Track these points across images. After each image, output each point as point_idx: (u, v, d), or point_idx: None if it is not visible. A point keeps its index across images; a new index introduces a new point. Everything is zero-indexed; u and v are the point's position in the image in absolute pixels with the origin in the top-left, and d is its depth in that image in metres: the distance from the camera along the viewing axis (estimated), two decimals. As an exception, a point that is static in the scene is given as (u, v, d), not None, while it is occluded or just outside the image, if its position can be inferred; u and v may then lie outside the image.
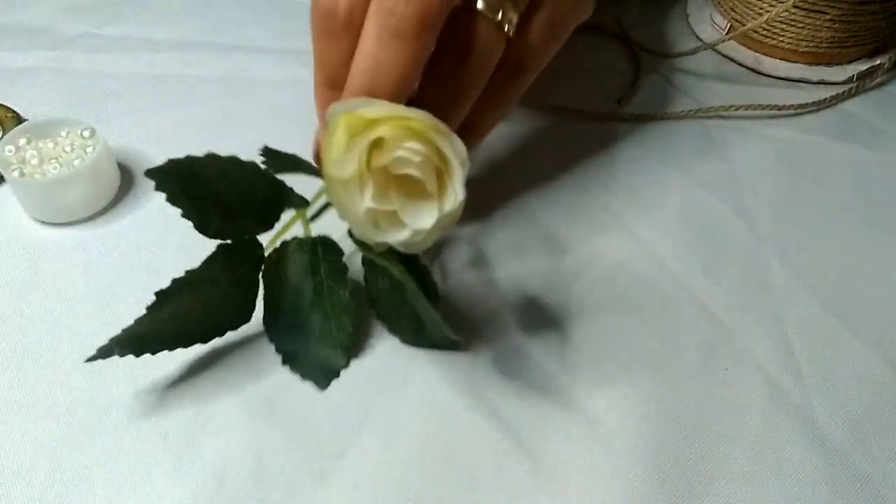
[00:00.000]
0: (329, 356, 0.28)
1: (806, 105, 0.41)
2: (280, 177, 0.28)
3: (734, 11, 0.44)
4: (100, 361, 0.28)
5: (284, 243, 0.29)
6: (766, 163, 0.38)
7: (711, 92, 0.43)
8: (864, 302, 0.32)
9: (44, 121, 0.35)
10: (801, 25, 0.42)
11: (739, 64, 0.45)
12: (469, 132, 0.31)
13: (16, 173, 0.32)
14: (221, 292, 0.27)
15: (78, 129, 0.34)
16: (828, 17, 0.41)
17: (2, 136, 0.35)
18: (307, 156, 0.29)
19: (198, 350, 0.29)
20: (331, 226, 0.29)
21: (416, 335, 0.29)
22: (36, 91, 0.40)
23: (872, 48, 0.44)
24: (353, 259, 0.30)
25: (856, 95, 0.43)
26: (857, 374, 0.29)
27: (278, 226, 0.29)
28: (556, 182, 0.37)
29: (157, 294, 0.25)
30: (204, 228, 0.26)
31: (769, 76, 0.44)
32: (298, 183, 0.29)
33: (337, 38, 0.27)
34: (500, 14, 0.27)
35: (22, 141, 0.34)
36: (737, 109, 0.41)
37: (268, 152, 0.27)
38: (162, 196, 0.33)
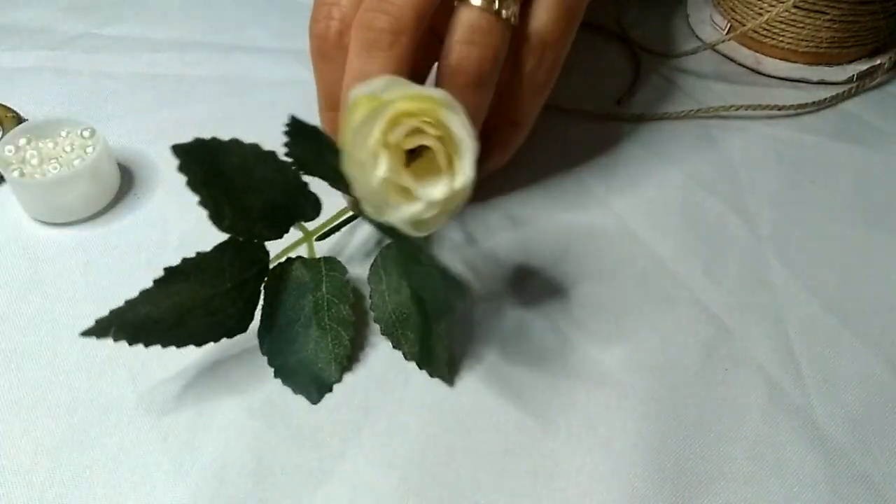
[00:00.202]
0: (322, 370, 0.28)
1: (806, 105, 0.41)
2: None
3: (734, 11, 0.44)
4: (100, 362, 0.29)
5: (289, 259, 0.29)
6: (766, 163, 0.38)
7: (711, 92, 0.43)
8: (864, 302, 0.32)
9: (44, 121, 0.35)
10: (801, 25, 0.42)
11: (739, 64, 0.45)
12: (513, 128, 0.33)
13: (16, 173, 0.32)
14: (225, 290, 0.27)
15: (78, 129, 0.34)
16: (828, 17, 0.41)
17: (2, 136, 0.35)
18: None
19: (198, 350, 0.29)
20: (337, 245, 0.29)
21: (422, 353, 0.29)
22: (36, 91, 0.40)
23: (872, 48, 0.44)
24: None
25: (856, 95, 0.43)
26: (857, 374, 0.29)
27: (285, 241, 0.29)
28: (556, 182, 0.37)
29: (166, 270, 0.25)
30: (218, 220, 0.26)
31: (769, 76, 0.44)
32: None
33: (331, 59, 0.29)
34: (497, 3, 0.28)
35: (22, 141, 0.34)
36: (737, 109, 0.41)
37: (295, 123, 0.26)
38: (162, 196, 0.33)
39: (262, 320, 0.29)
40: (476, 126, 0.29)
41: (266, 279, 0.29)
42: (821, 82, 0.43)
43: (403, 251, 0.28)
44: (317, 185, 0.28)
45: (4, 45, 0.44)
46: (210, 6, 0.48)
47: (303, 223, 0.30)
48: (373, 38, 0.27)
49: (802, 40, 0.42)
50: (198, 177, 0.25)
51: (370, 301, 0.29)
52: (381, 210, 0.25)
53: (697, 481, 0.26)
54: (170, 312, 0.25)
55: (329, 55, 0.29)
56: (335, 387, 0.28)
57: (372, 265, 0.30)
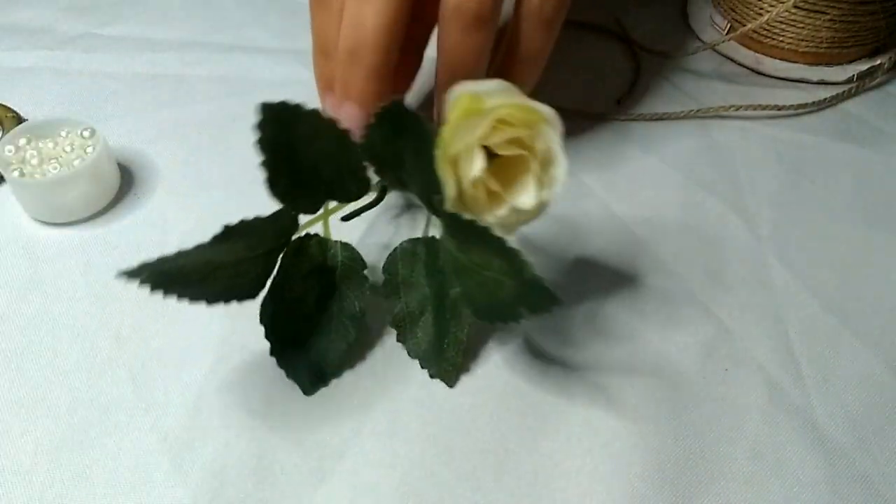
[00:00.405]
0: (321, 361, 0.28)
1: (806, 105, 0.41)
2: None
3: (734, 12, 0.44)
4: (100, 362, 0.29)
5: (308, 235, 0.28)
6: (766, 163, 0.38)
7: (711, 92, 0.43)
8: (864, 302, 0.32)
9: (44, 121, 0.35)
10: (801, 25, 0.42)
11: (739, 64, 0.45)
12: (524, 66, 0.32)
13: (16, 173, 0.32)
14: (255, 255, 0.26)
15: (78, 129, 0.34)
16: (828, 17, 0.41)
17: (2, 136, 0.35)
18: None
19: (198, 350, 0.29)
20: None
21: (428, 353, 0.28)
22: (36, 91, 0.40)
23: (872, 48, 0.44)
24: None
25: (856, 95, 0.43)
26: (856, 374, 0.29)
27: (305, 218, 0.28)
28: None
29: (225, 227, 0.24)
30: (273, 185, 0.25)
31: (769, 76, 0.44)
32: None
33: (328, 7, 0.29)
34: None
35: (22, 141, 0.34)
36: (737, 109, 0.41)
37: (396, 106, 0.24)
38: (162, 196, 0.33)
39: (270, 290, 0.27)
40: (481, 67, 0.29)
41: (284, 251, 0.27)
42: (821, 82, 0.43)
43: (464, 252, 0.26)
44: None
45: (4, 45, 0.44)
46: (210, 6, 0.48)
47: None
48: None
49: (802, 40, 0.42)
50: (269, 137, 0.24)
51: (382, 290, 0.29)
52: (469, 208, 0.25)
53: (697, 481, 0.26)
54: (202, 268, 0.24)
55: (327, 3, 0.29)
56: (335, 386, 0.28)
57: (388, 258, 0.29)
